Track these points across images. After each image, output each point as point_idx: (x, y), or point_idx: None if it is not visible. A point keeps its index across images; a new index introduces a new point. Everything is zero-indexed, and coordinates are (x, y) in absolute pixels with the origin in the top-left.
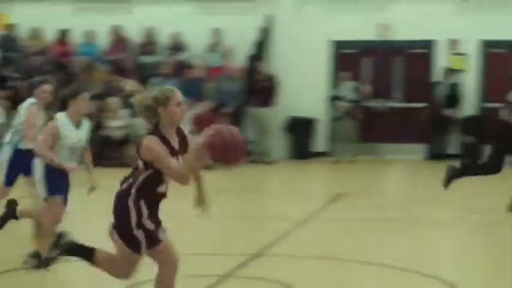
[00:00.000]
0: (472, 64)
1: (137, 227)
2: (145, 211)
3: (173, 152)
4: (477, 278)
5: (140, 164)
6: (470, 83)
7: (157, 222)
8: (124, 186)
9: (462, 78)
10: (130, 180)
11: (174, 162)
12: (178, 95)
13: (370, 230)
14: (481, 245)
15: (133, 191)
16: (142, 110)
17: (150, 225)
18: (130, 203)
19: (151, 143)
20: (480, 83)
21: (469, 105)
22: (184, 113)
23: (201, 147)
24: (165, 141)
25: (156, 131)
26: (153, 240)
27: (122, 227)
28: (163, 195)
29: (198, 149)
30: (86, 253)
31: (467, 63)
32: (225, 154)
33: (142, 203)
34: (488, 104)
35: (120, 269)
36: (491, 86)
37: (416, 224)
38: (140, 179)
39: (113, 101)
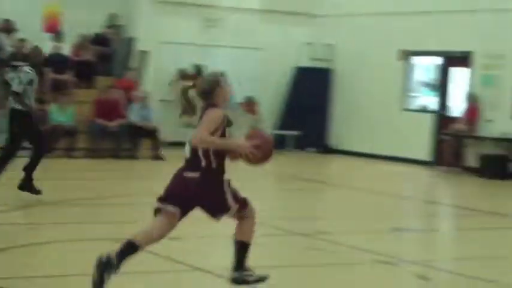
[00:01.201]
0: None
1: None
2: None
3: (228, 124)
4: None
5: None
6: None
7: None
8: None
9: None
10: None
11: (207, 130)
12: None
13: None
14: None
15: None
16: (202, 93)
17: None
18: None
19: (217, 111)
20: None
21: None
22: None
23: (242, 148)
24: (224, 115)
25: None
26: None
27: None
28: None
29: (239, 146)
30: (130, 249)
31: None
32: (267, 159)
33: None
34: None
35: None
36: None
37: None
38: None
39: None
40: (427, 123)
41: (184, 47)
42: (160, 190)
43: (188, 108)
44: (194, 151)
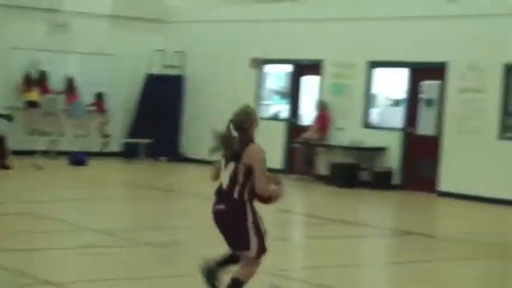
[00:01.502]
0: None
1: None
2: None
3: None
4: None
5: (241, 172)
6: None
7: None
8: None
9: None
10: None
11: (264, 178)
12: None
13: None
14: None
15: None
16: (241, 126)
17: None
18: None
19: (261, 149)
20: None
21: None
22: None
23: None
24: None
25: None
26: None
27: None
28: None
29: (281, 195)
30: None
31: None
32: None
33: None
34: None
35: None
36: None
37: None
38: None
39: None
40: (279, 132)
41: (31, 52)
42: (8, 199)
43: (226, 145)
44: (232, 182)
